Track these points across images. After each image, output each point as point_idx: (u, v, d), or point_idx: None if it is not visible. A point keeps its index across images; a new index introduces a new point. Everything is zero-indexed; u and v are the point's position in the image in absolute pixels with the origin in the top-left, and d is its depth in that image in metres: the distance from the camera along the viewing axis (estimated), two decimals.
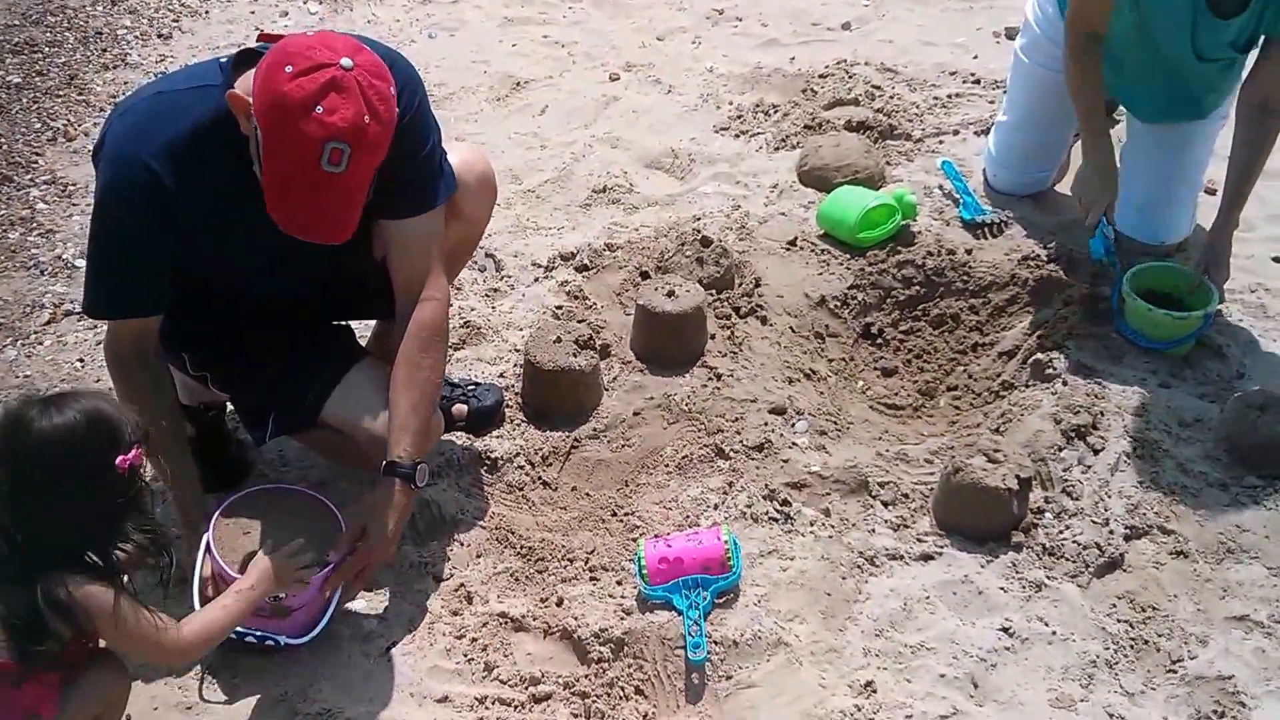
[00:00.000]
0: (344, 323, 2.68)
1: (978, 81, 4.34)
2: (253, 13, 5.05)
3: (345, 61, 1.95)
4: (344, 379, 2.41)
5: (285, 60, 1.94)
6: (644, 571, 2.37)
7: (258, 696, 2.24)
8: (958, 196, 3.60)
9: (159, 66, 4.62)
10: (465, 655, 2.30)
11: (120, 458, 1.79)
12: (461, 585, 2.45)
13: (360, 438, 2.38)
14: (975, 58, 4.53)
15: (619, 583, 2.43)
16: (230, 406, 2.72)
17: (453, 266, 2.74)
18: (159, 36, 4.88)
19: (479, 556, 2.53)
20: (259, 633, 2.20)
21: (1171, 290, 3.01)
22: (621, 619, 2.32)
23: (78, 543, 1.82)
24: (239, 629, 2.11)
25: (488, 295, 3.31)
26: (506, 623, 2.36)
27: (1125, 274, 3.02)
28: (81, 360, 3.13)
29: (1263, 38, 2.91)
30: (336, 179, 1.97)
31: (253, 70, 2.06)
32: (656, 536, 2.48)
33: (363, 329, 2.86)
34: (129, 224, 2.15)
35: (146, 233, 2.15)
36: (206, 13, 5.07)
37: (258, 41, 2.21)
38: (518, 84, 4.49)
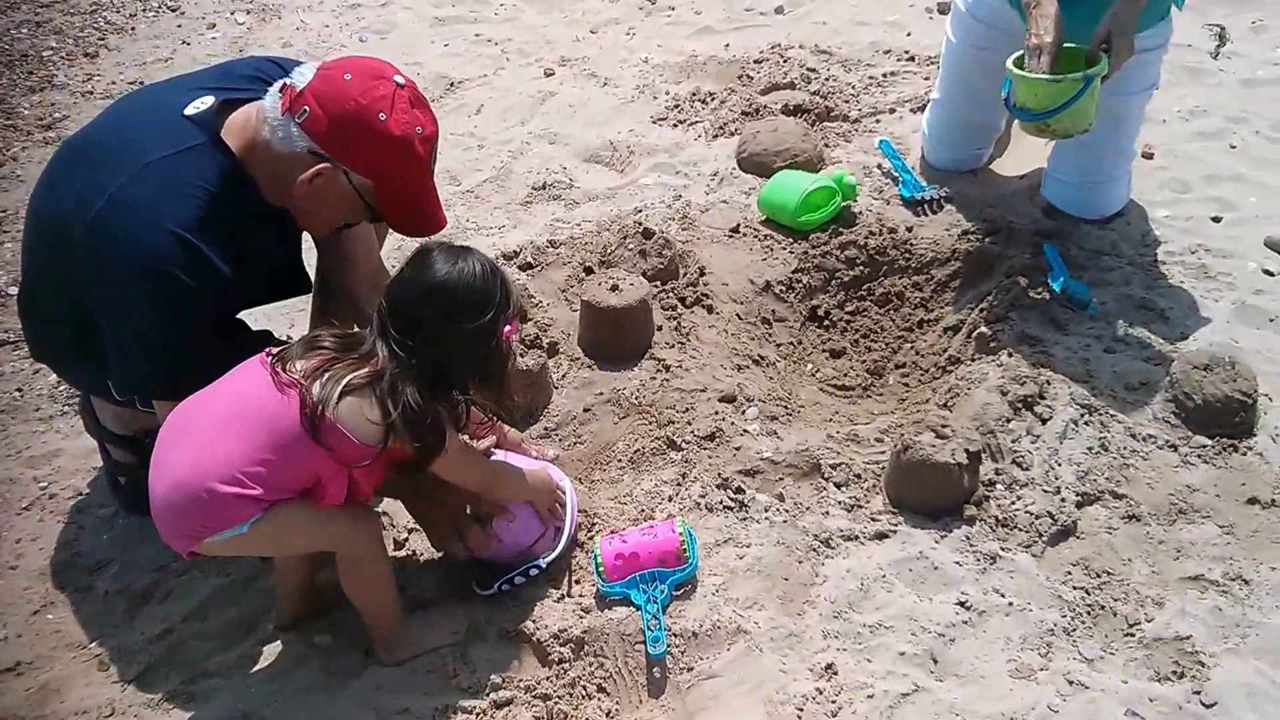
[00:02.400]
0: (266, 330, 2.67)
1: (912, 59, 4.36)
2: (179, 26, 5.00)
3: (399, 79, 2.19)
4: None
5: (377, 109, 2.12)
6: (600, 569, 2.35)
7: (214, 717, 2.21)
8: (897, 175, 3.62)
9: (86, 86, 4.55)
10: (424, 665, 2.26)
11: (508, 326, 2.09)
12: (417, 593, 2.42)
13: None
14: (909, 35, 4.55)
15: (577, 581, 2.41)
16: None
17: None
18: (85, 55, 4.82)
19: (436, 564, 2.50)
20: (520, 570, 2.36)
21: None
22: (580, 618, 2.29)
23: (454, 371, 2.07)
24: (507, 577, 2.35)
25: None
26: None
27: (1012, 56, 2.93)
28: (20, 390, 3.07)
29: None
30: (432, 175, 2.29)
31: (241, 116, 2.22)
32: (612, 533, 2.47)
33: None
34: (185, 300, 2.12)
35: (201, 305, 2.15)
36: (133, 30, 5.02)
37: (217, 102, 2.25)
38: (451, 84, 4.46)
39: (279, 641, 2.33)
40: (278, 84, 2.20)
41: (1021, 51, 2.89)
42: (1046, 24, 2.82)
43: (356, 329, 2.19)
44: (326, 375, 2.00)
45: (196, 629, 2.38)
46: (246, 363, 2.11)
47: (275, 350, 2.09)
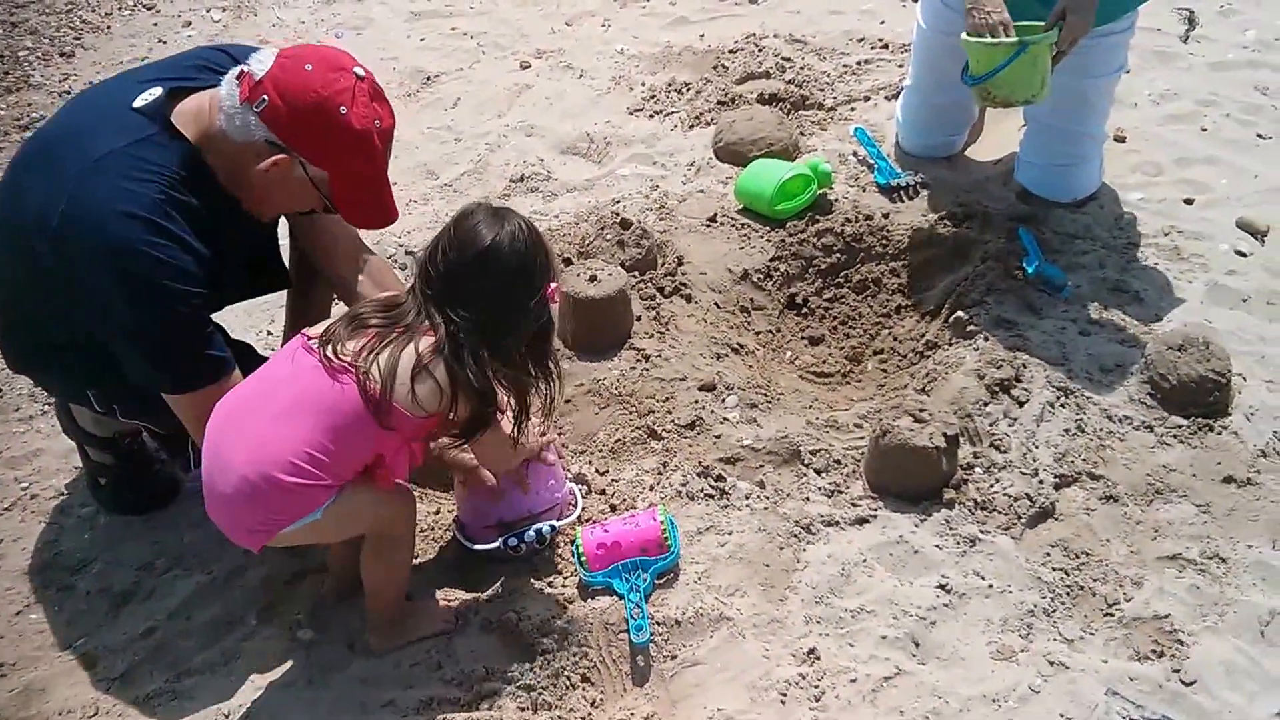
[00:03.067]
0: (244, 342, 2.66)
1: (885, 46, 4.38)
2: (155, 25, 4.97)
3: (358, 70, 2.16)
4: None
5: (338, 101, 2.10)
6: (582, 559, 2.36)
7: (199, 714, 2.21)
8: (872, 162, 3.63)
9: (63, 85, 4.52)
10: (409, 658, 2.27)
11: (550, 286, 2.08)
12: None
13: None
14: (882, 23, 4.56)
15: (559, 572, 2.42)
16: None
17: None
18: (61, 55, 4.78)
19: (417, 557, 2.50)
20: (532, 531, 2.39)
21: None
22: (563, 608, 2.30)
23: (509, 333, 2.05)
24: (516, 532, 2.38)
25: None
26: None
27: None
28: (0, 391, 3.06)
29: None
30: (386, 170, 2.26)
31: (193, 104, 2.18)
32: (593, 522, 2.47)
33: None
34: (165, 281, 2.08)
35: (182, 284, 2.10)
36: (108, 28, 4.98)
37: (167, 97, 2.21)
38: (428, 78, 4.45)
39: (262, 638, 2.33)
40: (234, 71, 2.17)
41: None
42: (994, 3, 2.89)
43: (396, 298, 2.13)
44: (383, 354, 1.99)
45: (180, 627, 2.38)
46: (286, 349, 2.12)
47: (315, 333, 2.07)
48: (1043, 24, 2.90)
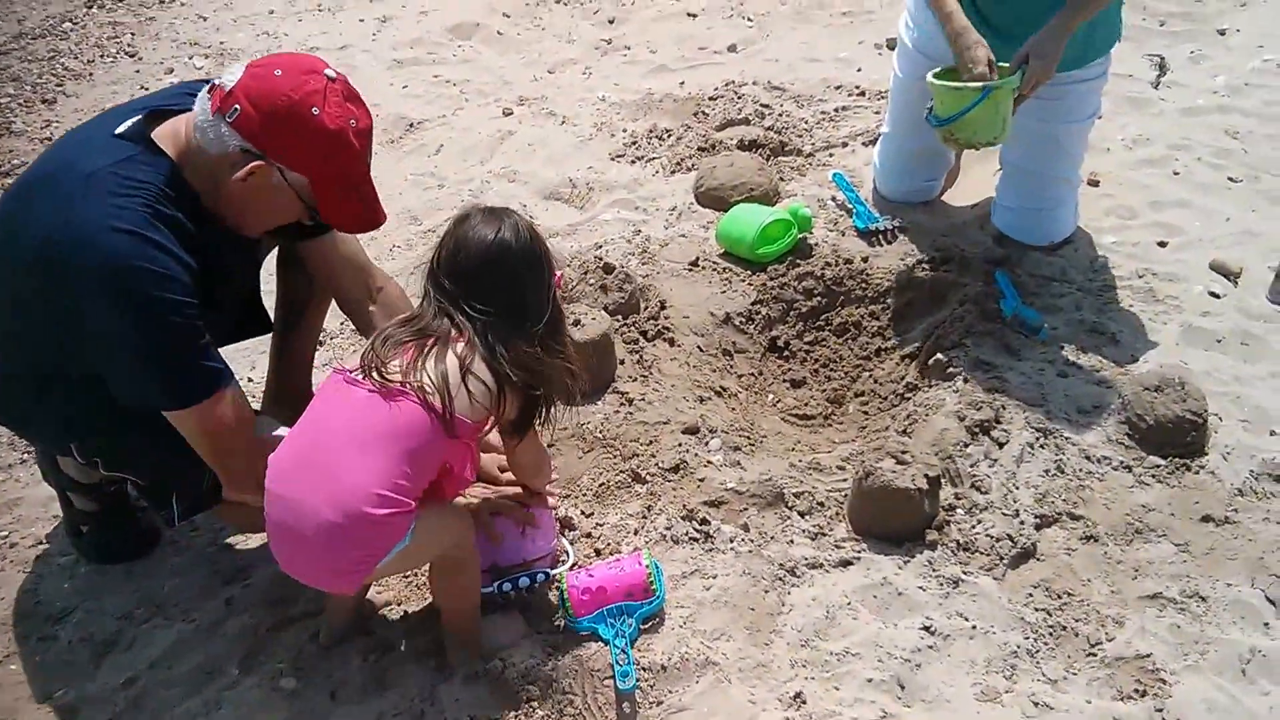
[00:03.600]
0: None
1: (862, 94, 4.44)
2: (137, 72, 5.00)
3: (329, 73, 2.15)
4: None
5: (310, 103, 2.08)
6: (568, 604, 2.36)
7: None
8: (850, 206, 3.67)
9: (45, 132, 4.53)
10: (391, 708, 2.26)
11: (557, 275, 2.17)
12: (384, 633, 2.42)
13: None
14: (859, 70, 4.63)
15: (545, 617, 2.41)
16: None
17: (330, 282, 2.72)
18: (43, 102, 4.80)
19: (401, 603, 2.50)
20: (525, 576, 2.39)
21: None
22: (548, 655, 2.30)
23: (529, 322, 2.10)
24: (511, 578, 2.38)
25: None
26: (432, 668, 2.33)
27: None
28: None
29: None
30: (369, 170, 2.24)
31: (170, 127, 2.18)
32: (578, 567, 2.48)
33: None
34: (158, 295, 2.05)
35: (175, 296, 2.07)
36: (91, 75, 5.00)
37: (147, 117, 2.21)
38: (411, 125, 4.48)
39: (244, 687, 2.31)
40: (205, 87, 2.17)
41: (940, 68, 3.03)
42: (974, 54, 2.94)
43: (415, 311, 2.17)
44: (428, 365, 2.02)
45: (162, 676, 2.35)
46: (326, 387, 2.12)
47: (352, 365, 2.08)
48: (1008, 65, 2.96)
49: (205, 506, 2.43)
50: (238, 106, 2.08)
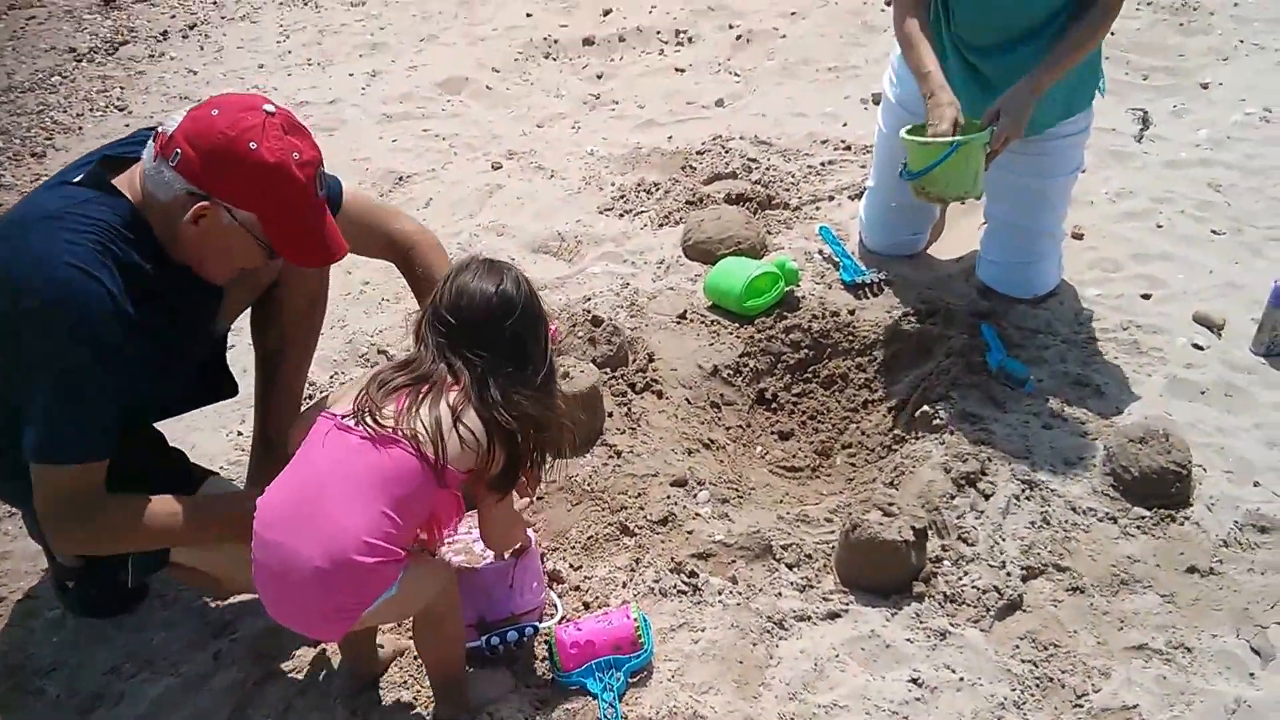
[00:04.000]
0: (178, 449, 2.61)
1: (849, 148, 4.49)
2: (127, 125, 5.03)
3: (269, 108, 2.14)
4: None
5: (246, 139, 2.07)
6: (556, 658, 2.36)
7: None
8: (837, 260, 3.71)
9: (34, 186, 4.53)
10: None
11: (551, 326, 2.23)
12: (371, 686, 2.41)
13: (213, 574, 2.37)
14: (845, 125, 4.68)
15: (533, 671, 2.41)
16: None
17: (308, 322, 2.77)
18: (32, 155, 4.83)
19: (389, 656, 2.49)
20: (514, 630, 2.40)
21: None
22: (536, 709, 2.29)
23: (527, 371, 2.14)
24: (499, 632, 2.39)
25: None
26: None
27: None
28: None
29: None
30: (322, 201, 2.24)
31: (127, 177, 2.16)
32: (567, 621, 2.48)
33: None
34: (97, 342, 2.05)
35: (112, 348, 2.07)
36: (80, 129, 5.05)
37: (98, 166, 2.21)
38: (400, 179, 4.52)
39: None
40: (151, 135, 2.18)
41: (914, 124, 3.08)
42: (941, 113, 2.99)
43: (411, 355, 2.18)
44: (422, 412, 2.04)
45: None
46: (316, 433, 2.11)
47: (343, 410, 2.09)
48: (980, 120, 3.02)
49: (159, 566, 2.42)
50: (179, 150, 2.08)
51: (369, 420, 2.04)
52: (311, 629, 2.09)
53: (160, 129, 2.13)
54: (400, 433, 2.02)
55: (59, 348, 2.04)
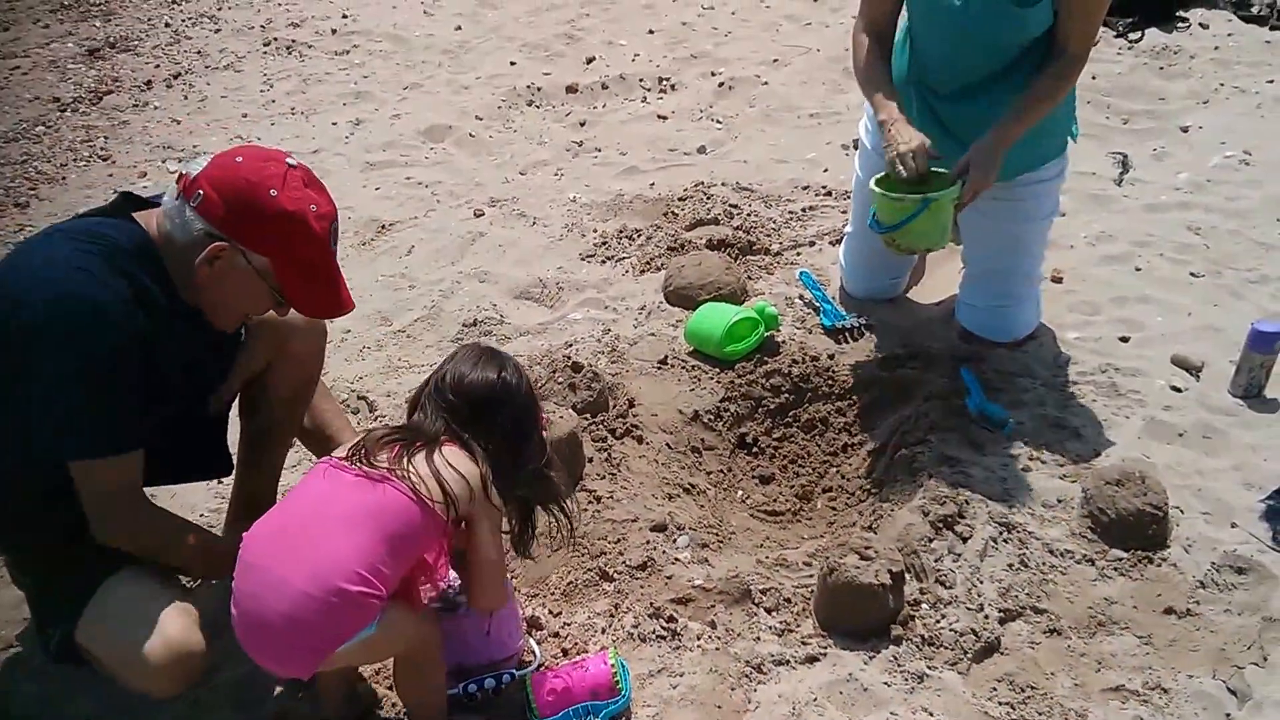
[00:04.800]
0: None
1: (829, 193, 4.53)
2: (110, 175, 5.06)
3: (291, 161, 2.21)
4: (95, 596, 2.28)
5: (268, 185, 2.14)
6: (533, 704, 2.35)
7: None
8: (817, 305, 3.73)
9: (18, 236, 4.57)
10: None
11: (544, 418, 2.34)
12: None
13: (103, 660, 2.29)
14: (825, 170, 4.73)
15: (511, 718, 2.40)
16: None
17: (294, 408, 2.79)
18: (16, 206, 4.84)
19: (369, 703, 2.48)
20: (491, 678, 2.42)
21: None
22: None
23: (521, 455, 2.25)
24: (477, 679, 2.41)
25: None
26: None
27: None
28: None
29: None
30: (334, 254, 2.29)
31: (144, 216, 2.21)
32: (544, 668, 2.47)
33: None
34: (112, 344, 2.08)
35: (129, 350, 2.10)
36: (64, 179, 5.06)
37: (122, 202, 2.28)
38: (383, 226, 4.54)
39: None
40: (175, 178, 2.22)
41: (884, 173, 3.09)
42: (905, 133, 3.02)
43: (409, 423, 2.25)
44: (417, 460, 2.10)
45: None
46: (314, 473, 2.17)
47: (342, 454, 2.15)
48: (949, 169, 3.05)
49: (76, 652, 2.34)
50: (201, 191, 2.14)
51: (364, 461, 2.09)
52: (283, 662, 2.05)
53: (184, 171, 2.19)
54: (395, 474, 2.06)
55: (70, 348, 2.05)
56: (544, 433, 2.32)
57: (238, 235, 2.16)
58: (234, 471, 2.80)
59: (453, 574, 2.37)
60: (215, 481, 3.15)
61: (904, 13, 3.26)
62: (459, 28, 6.53)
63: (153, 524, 2.29)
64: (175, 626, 2.20)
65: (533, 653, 2.50)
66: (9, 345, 2.08)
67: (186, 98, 5.86)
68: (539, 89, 5.72)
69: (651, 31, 6.32)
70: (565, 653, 2.54)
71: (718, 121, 5.34)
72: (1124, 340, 3.55)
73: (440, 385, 2.22)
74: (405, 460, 2.09)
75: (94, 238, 2.12)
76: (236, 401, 2.75)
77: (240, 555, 2.07)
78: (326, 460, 2.16)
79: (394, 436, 2.16)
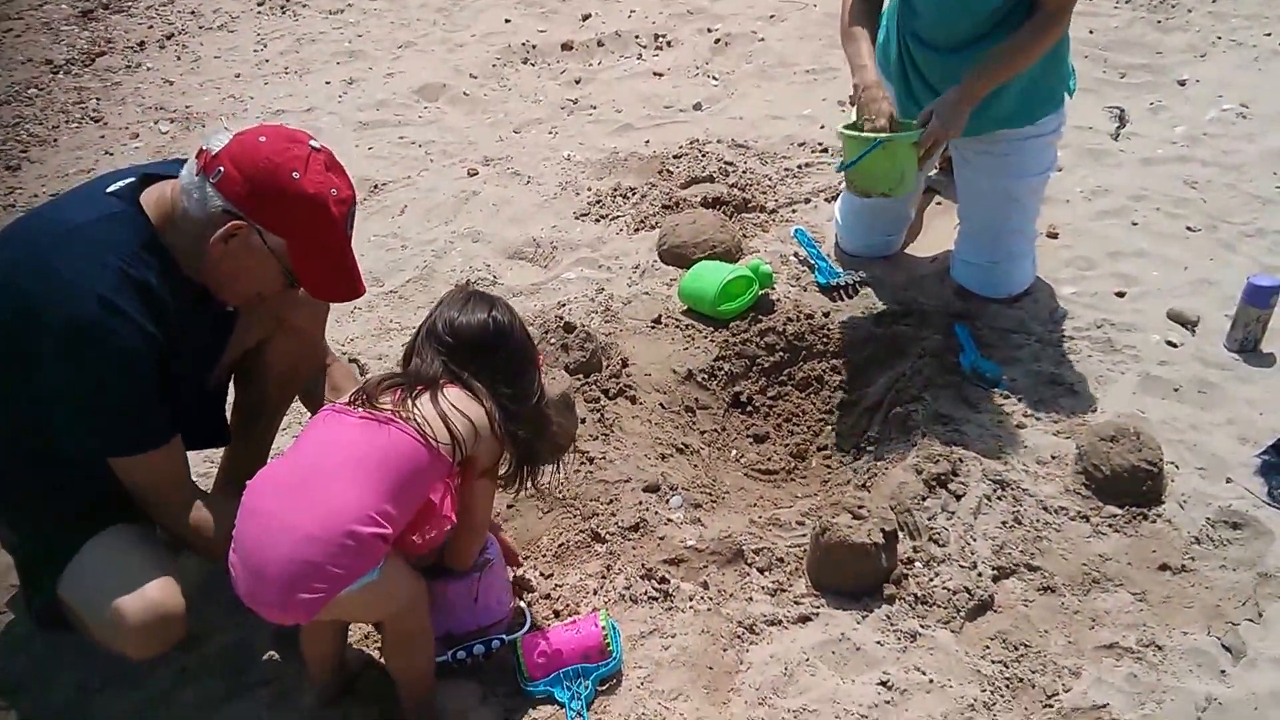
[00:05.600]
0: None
1: (825, 150, 4.49)
2: (102, 137, 5.02)
3: (314, 143, 2.22)
4: (79, 554, 2.28)
5: (290, 167, 2.14)
6: (523, 667, 2.34)
7: None
8: (813, 262, 3.70)
9: (8, 199, 4.54)
10: None
11: (540, 357, 2.33)
12: (338, 700, 2.39)
13: (81, 617, 2.28)
14: (822, 127, 4.68)
15: (500, 681, 2.39)
16: None
17: (289, 385, 2.78)
18: (6, 168, 4.81)
19: (357, 670, 2.47)
20: (480, 644, 2.39)
21: None
22: (503, 719, 2.28)
23: (520, 396, 2.23)
24: (464, 645, 2.38)
25: None
26: None
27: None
28: None
29: None
30: (350, 240, 2.28)
31: (156, 190, 2.23)
32: (535, 630, 2.46)
33: None
34: (130, 363, 2.10)
35: (144, 361, 2.12)
36: (55, 141, 5.03)
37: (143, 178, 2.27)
38: (375, 186, 4.51)
39: None
40: (194, 153, 2.22)
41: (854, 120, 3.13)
42: (877, 108, 3.08)
43: (407, 369, 2.25)
44: (420, 403, 2.10)
45: None
46: (317, 420, 2.18)
47: (344, 401, 2.16)
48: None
49: (61, 616, 2.36)
50: (221, 168, 2.13)
51: (368, 405, 2.10)
52: (285, 605, 2.00)
53: (204, 147, 2.18)
54: (399, 416, 2.06)
55: (89, 373, 2.09)
56: (541, 371, 2.32)
57: (257, 215, 2.15)
58: (224, 452, 2.80)
59: None
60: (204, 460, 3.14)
61: None
62: None
63: (204, 513, 2.29)
64: (155, 587, 2.20)
65: (523, 615, 2.50)
66: (14, 335, 2.11)
67: (179, 58, 5.81)
68: (534, 46, 5.66)
69: None
70: (556, 614, 2.54)
71: (713, 78, 5.28)
72: (1120, 295, 3.52)
73: (433, 330, 2.21)
74: (409, 402, 2.10)
75: (110, 248, 2.11)
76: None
77: (243, 502, 2.07)
78: (329, 407, 2.17)
79: (394, 381, 2.16)
